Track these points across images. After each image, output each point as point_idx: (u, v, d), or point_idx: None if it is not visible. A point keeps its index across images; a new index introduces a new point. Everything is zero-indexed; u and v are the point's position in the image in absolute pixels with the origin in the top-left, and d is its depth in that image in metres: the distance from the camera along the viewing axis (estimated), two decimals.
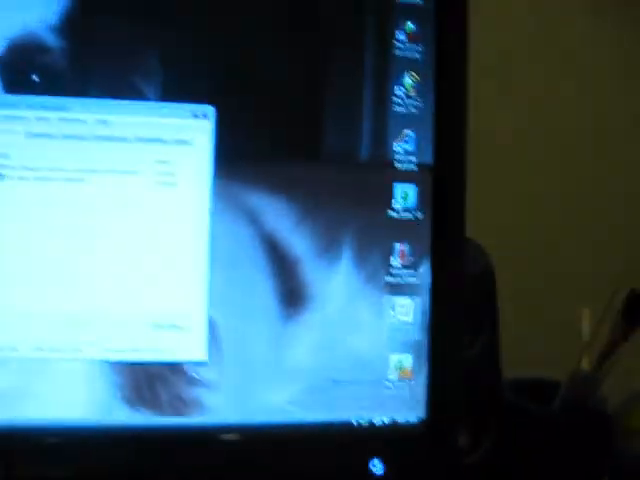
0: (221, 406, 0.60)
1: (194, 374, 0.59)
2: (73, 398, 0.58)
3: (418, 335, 0.63)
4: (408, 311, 0.63)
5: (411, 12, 0.63)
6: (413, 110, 0.62)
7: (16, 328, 0.57)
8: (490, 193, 0.78)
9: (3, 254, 0.57)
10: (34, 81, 0.57)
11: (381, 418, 0.63)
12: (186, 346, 0.59)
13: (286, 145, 0.61)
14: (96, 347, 0.58)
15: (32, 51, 0.57)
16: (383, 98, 0.61)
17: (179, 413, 0.59)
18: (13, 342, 0.57)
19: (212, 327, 0.59)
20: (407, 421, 0.63)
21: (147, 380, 0.59)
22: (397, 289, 0.62)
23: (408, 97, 0.62)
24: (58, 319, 0.58)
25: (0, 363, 0.57)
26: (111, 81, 0.58)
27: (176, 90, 0.58)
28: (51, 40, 0.57)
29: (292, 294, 0.61)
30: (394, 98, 0.62)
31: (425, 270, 0.63)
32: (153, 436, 0.59)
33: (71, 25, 0.57)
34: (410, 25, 0.62)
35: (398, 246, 0.62)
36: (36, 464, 0.58)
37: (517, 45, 0.95)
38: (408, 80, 0.62)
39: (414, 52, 0.62)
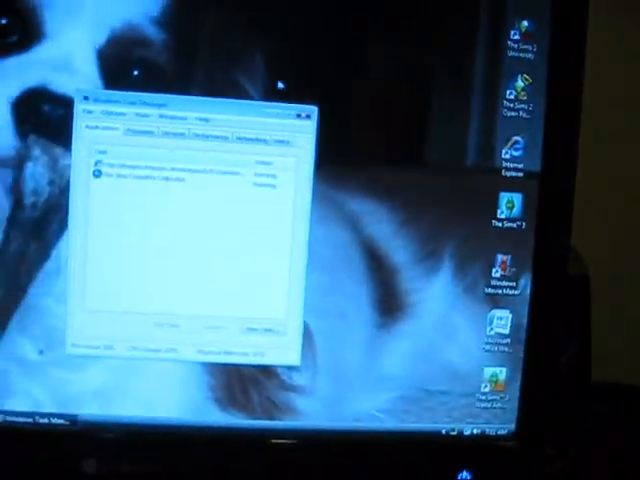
0: (312, 411, 0.58)
1: (286, 378, 0.57)
2: (166, 398, 0.56)
3: (514, 348, 0.59)
4: (506, 324, 0.59)
5: (526, 9, 0.57)
6: (523, 115, 0.57)
7: (112, 327, 0.55)
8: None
9: (97, 253, 0.55)
10: (135, 76, 0.54)
11: (471, 429, 0.60)
12: (280, 350, 0.57)
13: (389, 149, 0.57)
14: (190, 348, 0.56)
15: (134, 45, 0.53)
16: (494, 102, 0.57)
17: (270, 416, 0.57)
18: (109, 340, 0.56)
19: (306, 332, 0.57)
20: (497, 433, 0.60)
21: (240, 382, 0.57)
22: (496, 301, 0.59)
23: (519, 101, 0.57)
24: (153, 319, 0.56)
25: (96, 360, 0.56)
26: (214, 78, 0.54)
27: (280, 90, 0.55)
28: (154, 34, 0.54)
29: (388, 302, 0.58)
30: (505, 102, 0.57)
31: (526, 282, 0.59)
32: (244, 438, 0.58)
33: (175, 19, 0.54)
34: (525, 23, 0.57)
35: (500, 257, 0.58)
36: (126, 461, 0.57)
37: None
38: (520, 83, 0.57)
39: (528, 52, 0.57)
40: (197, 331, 0.56)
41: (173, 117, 0.55)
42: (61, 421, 0.57)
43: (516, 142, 0.58)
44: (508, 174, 0.58)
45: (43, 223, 0.55)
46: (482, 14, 0.56)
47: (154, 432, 0.57)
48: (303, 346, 0.57)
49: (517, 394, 0.60)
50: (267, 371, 0.57)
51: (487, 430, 0.60)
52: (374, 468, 0.59)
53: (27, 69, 0.53)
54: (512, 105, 0.57)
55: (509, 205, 0.58)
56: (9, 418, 0.56)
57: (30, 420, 0.56)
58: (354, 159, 0.56)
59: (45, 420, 0.57)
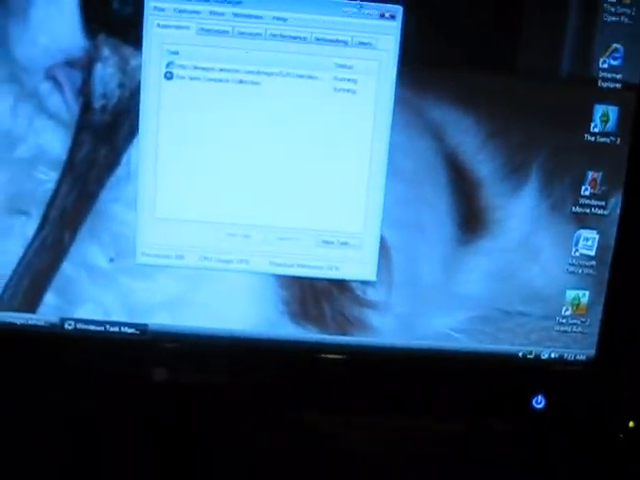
0: (386, 327, 0.54)
1: (361, 293, 0.54)
2: (237, 309, 0.54)
3: (599, 271, 0.55)
4: (592, 245, 0.55)
5: None
6: (625, 20, 0.51)
7: (183, 236, 0.52)
8: None
9: (168, 159, 0.52)
10: None
11: (549, 353, 0.56)
12: (355, 264, 0.53)
13: (478, 55, 0.51)
14: (262, 260, 0.53)
15: None
16: (594, 5, 0.51)
17: (343, 331, 0.54)
18: (180, 250, 0.53)
19: (383, 246, 0.53)
20: (575, 358, 0.57)
21: (313, 296, 0.54)
22: (584, 220, 0.54)
23: (621, 5, 0.51)
24: (227, 229, 0.52)
25: (167, 270, 0.53)
26: None
27: None
28: None
29: (471, 217, 0.53)
30: (606, 5, 0.51)
31: (616, 202, 0.54)
32: (315, 352, 0.55)
33: None
34: None
35: (591, 174, 0.54)
36: (196, 371, 0.55)
37: None
38: None
39: None
40: (270, 242, 0.53)
41: (249, 16, 0.50)
42: (131, 330, 0.55)
43: (615, 50, 0.52)
44: (605, 85, 0.52)
45: (113, 127, 0.52)
46: None
47: (225, 343, 0.54)
48: (379, 260, 0.53)
49: (599, 319, 0.56)
50: (341, 285, 0.54)
51: (565, 355, 0.56)
52: (447, 388, 0.56)
53: None
54: (614, 9, 0.51)
55: (604, 118, 0.53)
56: (80, 326, 0.55)
57: (101, 328, 0.54)
58: (440, 64, 0.51)
59: (116, 329, 0.55)
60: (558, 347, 0.56)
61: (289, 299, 0.54)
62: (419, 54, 0.51)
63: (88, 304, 0.54)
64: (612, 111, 0.53)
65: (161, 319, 0.54)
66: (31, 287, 0.54)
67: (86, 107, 0.51)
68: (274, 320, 0.54)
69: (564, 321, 0.56)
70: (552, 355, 0.56)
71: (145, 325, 0.55)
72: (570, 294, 0.55)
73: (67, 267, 0.53)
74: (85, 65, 0.51)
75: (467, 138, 0.52)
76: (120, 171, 0.52)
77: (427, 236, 0.53)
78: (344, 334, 0.55)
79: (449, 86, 0.51)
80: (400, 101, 0.51)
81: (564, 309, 0.56)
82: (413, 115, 0.51)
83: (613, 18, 0.51)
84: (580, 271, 0.55)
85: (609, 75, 0.52)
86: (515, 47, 0.51)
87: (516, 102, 0.52)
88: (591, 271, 0.55)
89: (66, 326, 0.55)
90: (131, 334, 0.55)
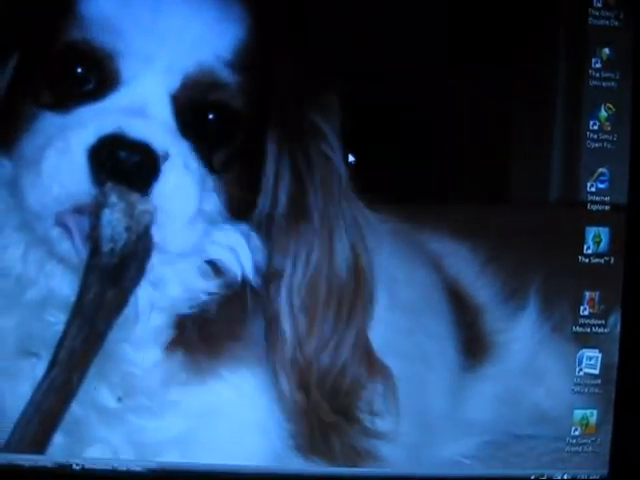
0: (395, 457, 0.53)
1: (369, 424, 0.53)
2: (246, 445, 0.52)
3: (605, 389, 0.54)
4: (595, 364, 0.54)
5: (606, 36, 0.53)
6: (608, 145, 0.53)
7: None
8: None
9: None
10: (210, 120, 0.51)
11: (561, 475, 0.54)
12: None
13: (470, 186, 0.53)
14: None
15: (208, 88, 0.51)
16: (577, 134, 0.52)
17: (353, 463, 0.53)
18: None
19: (389, 377, 0.53)
20: (588, 478, 0.55)
21: (321, 429, 0.53)
22: (585, 340, 0.53)
23: (603, 131, 0.53)
24: None
25: (173, 407, 0.52)
26: None
27: None
28: (228, 76, 0.50)
29: (473, 343, 0.53)
30: (589, 133, 0.52)
31: (615, 319, 0.54)
32: None
33: (249, 60, 0.51)
34: (606, 51, 0.53)
35: (588, 294, 0.53)
36: None
37: None
38: (603, 113, 0.52)
39: (610, 81, 0.53)
40: None
41: None
42: (140, 469, 0.53)
43: (601, 174, 0.53)
44: (594, 208, 0.53)
45: (120, 269, 0.52)
46: (562, 45, 0.52)
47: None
48: (385, 390, 0.52)
49: (609, 437, 0.54)
50: (349, 417, 0.53)
51: (578, 475, 0.54)
52: None
53: (103, 116, 0.50)
54: (596, 136, 0.53)
55: (596, 240, 0.53)
56: (88, 466, 0.53)
57: (109, 468, 0.53)
58: (435, 197, 0.52)
59: (124, 468, 0.53)
60: (570, 468, 0.54)
61: (297, 433, 0.52)
62: (415, 190, 0.51)
63: (96, 444, 0.53)
64: (603, 232, 0.53)
65: (170, 457, 0.52)
66: (40, 428, 0.52)
67: (94, 251, 0.51)
68: (283, 455, 0.52)
69: (574, 441, 0.54)
70: (565, 476, 0.54)
71: (154, 463, 0.53)
72: (578, 414, 0.54)
73: (76, 408, 0.52)
74: (93, 211, 0.51)
75: (465, 266, 0.52)
76: (128, 311, 0.52)
77: (432, 364, 0.52)
78: (353, 466, 0.53)
79: (445, 218, 0.52)
80: (399, 235, 0.51)
81: (573, 429, 0.54)
82: (413, 247, 0.52)
83: (596, 144, 0.53)
84: (586, 390, 0.54)
85: (597, 198, 0.53)
86: (507, 179, 0.52)
87: (510, 229, 0.52)
88: (597, 390, 0.54)
89: (74, 467, 0.53)
90: (139, 473, 0.53)
